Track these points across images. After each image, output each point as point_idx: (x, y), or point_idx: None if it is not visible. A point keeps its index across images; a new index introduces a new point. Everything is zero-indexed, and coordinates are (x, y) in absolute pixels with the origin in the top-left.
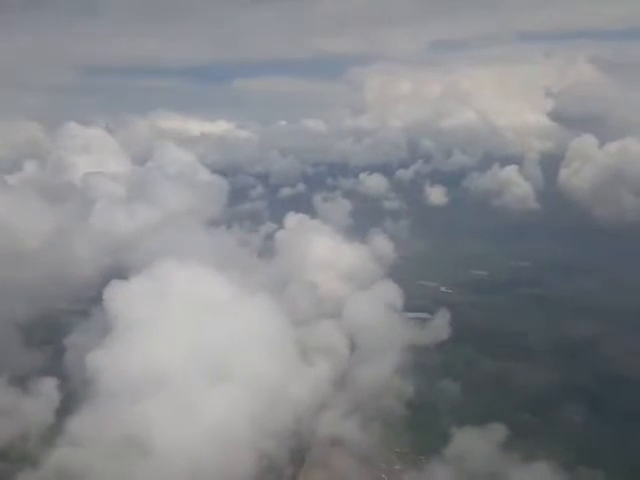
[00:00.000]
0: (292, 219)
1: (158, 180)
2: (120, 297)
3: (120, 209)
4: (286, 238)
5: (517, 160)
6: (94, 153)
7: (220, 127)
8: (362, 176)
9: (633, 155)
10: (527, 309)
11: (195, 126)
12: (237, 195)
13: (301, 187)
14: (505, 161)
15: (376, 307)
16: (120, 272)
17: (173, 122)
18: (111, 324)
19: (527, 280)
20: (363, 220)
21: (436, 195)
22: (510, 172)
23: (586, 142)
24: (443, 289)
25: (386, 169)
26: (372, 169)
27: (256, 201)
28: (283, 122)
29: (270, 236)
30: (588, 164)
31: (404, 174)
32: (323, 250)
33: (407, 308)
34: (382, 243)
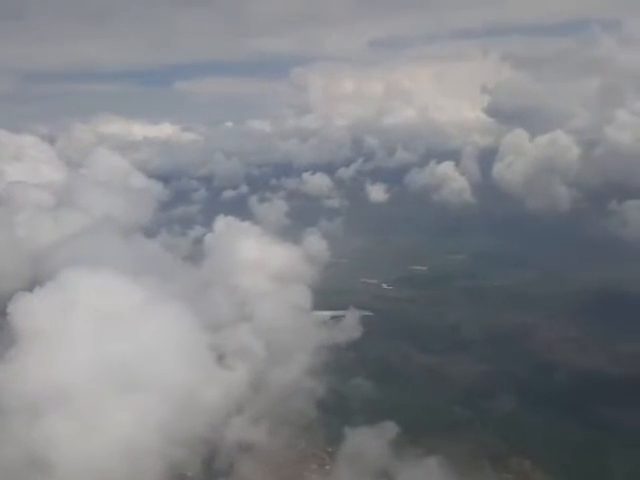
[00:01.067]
0: (221, 222)
1: (86, 187)
2: (24, 309)
3: (44, 218)
4: (214, 241)
5: (458, 155)
6: (26, 161)
7: (165, 130)
8: (305, 176)
9: (562, 147)
10: (464, 302)
11: (139, 130)
12: (179, 199)
13: (244, 189)
14: (447, 157)
15: (294, 307)
16: (37, 283)
17: (116, 126)
18: (14, 338)
19: (465, 273)
20: (301, 220)
21: (377, 192)
22: (447, 167)
23: (518, 136)
24: (384, 286)
25: (330, 168)
26: (316, 168)
27: (194, 205)
28: (229, 123)
29: (199, 240)
30: (520, 157)
31: (345, 172)
32: (252, 252)
33: (348, 305)
34: (317, 243)
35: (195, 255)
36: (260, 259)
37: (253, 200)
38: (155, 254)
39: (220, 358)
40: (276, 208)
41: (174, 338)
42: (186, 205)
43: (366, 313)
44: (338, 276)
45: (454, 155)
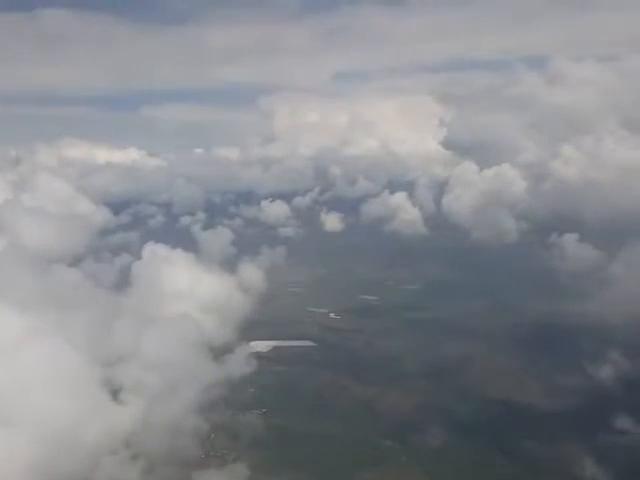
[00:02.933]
0: (150, 250)
1: (19, 213)
2: None
3: None
4: (141, 270)
5: (417, 186)
6: None
7: (130, 155)
8: (264, 203)
9: (508, 180)
10: (410, 333)
11: (104, 154)
12: (132, 224)
13: (201, 216)
14: (407, 187)
15: (203, 339)
16: None
17: (80, 150)
18: None
19: (414, 303)
20: (250, 248)
21: (332, 222)
22: (400, 198)
23: (466, 169)
24: (332, 315)
25: (291, 196)
26: (277, 196)
27: (144, 231)
28: (198, 150)
29: (126, 268)
30: (468, 189)
31: (302, 201)
32: (178, 281)
33: (292, 336)
34: (257, 272)
35: (121, 283)
36: (187, 288)
37: (194, 228)
38: (73, 283)
39: (115, 392)
40: (221, 236)
41: (59, 372)
42: (136, 231)
43: (309, 343)
44: (286, 305)
45: (414, 186)
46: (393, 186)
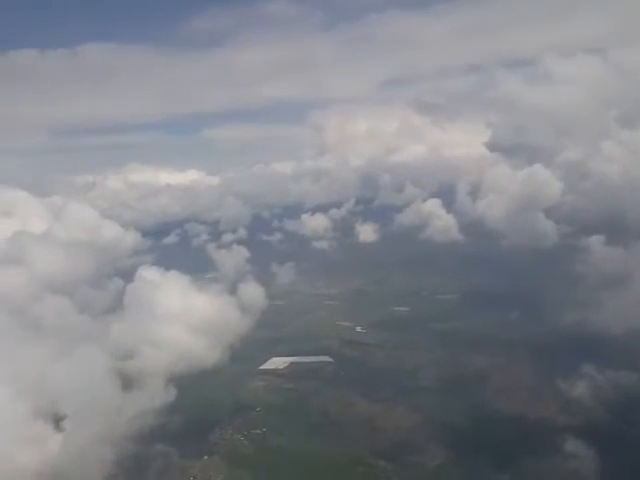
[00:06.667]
0: (145, 273)
1: (34, 243)
2: None
3: None
4: (133, 293)
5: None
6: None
7: (190, 176)
8: (304, 217)
9: (542, 180)
10: (432, 345)
11: (166, 177)
12: (177, 244)
13: (243, 232)
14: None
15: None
16: None
17: (145, 175)
18: None
19: (445, 314)
20: (279, 262)
21: (366, 232)
22: (433, 205)
23: (500, 171)
24: (358, 329)
25: (335, 208)
26: (323, 208)
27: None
28: (258, 166)
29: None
30: (502, 192)
31: (337, 213)
32: (171, 303)
33: (312, 351)
34: (254, 291)
35: (115, 308)
36: (180, 310)
37: (210, 247)
38: (58, 311)
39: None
40: (236, 255)
41: None
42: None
43: (326, 359)
44: (315, 320)
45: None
46: (442, 191)
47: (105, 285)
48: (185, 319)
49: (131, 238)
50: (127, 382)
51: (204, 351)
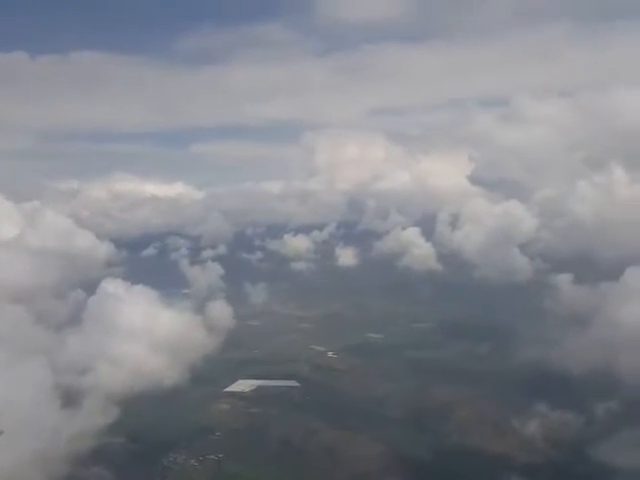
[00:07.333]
0: (108, 286)
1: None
2: None
3: None
4: (94, 307)
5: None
6: None
7: (176, 189)
8: (286, 237)
9: (517, 216)
10: (404, 374)
11: (152, 188)
12: (156, 257)
13: (222, 249)
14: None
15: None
16: None
17: (131, 185)
18: None
19: (420, 343)
20: (255, 282)
21: (346, 256)
22: (411, 233)
23: (477, 204)
24: (330, 353)
25: (317, 230)
26: (307, 230)
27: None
28: (247, 184)
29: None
30: (478, 225)
31: (319, 235)
32: (133, 318)
33: (281, 375)
34: (223, 310)
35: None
36: (142, 326)
37: (182, 263)
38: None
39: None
40: (208, 271)
41: None
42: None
43: (293, 383)
44: (288, 342)
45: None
46: (425, 220)
47: (67, 296)
48: (147, 336)
49: (105, 249)
50: (76, 399)
51: (165, 370)
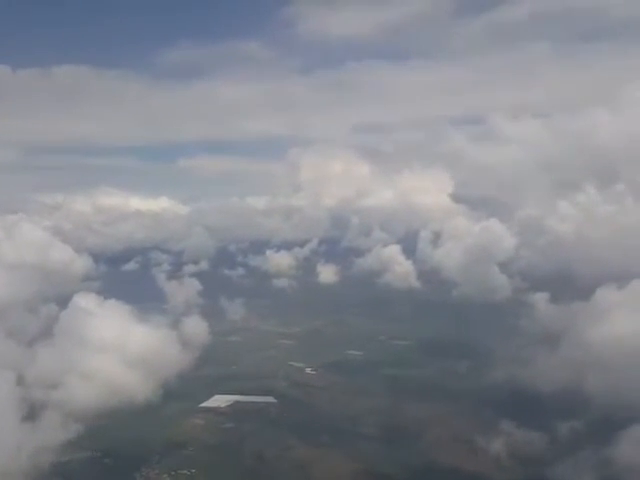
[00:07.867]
0: (81, 300)
1: None
2: None
3: None
4: (66, 321)
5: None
6: None
7: (161, 204)
8: (269, 253)
9: (496, 235)
10: (381, 391)
11: (136, 203)
12: (136, 272)
13: (204, 265)
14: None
15: None
16: None
17: (116, 199)
18: None
19: (398, 360)
20: (236, 298)
21: (327, 273)
22: (392, 251)
23: (458, 222)
24: (308, 370)
25: (298, 247)
26: (291, 246)
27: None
28: (234, 199)
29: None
30: (459, 243)
31: (300, 252)
32: (105, 333)
33: (258, 391)
34: (199, 326)
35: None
36: (114, 340)
37: (160, 277)
38: None
39: None
40: (185, 286)
41: None
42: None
43: (270, 400)
44: (267, 359)
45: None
46: (408, 238)
47: (40, 310)
48: (119, 351)
49: (82, 263)
50: (44, 414)
51: (138, 386)
